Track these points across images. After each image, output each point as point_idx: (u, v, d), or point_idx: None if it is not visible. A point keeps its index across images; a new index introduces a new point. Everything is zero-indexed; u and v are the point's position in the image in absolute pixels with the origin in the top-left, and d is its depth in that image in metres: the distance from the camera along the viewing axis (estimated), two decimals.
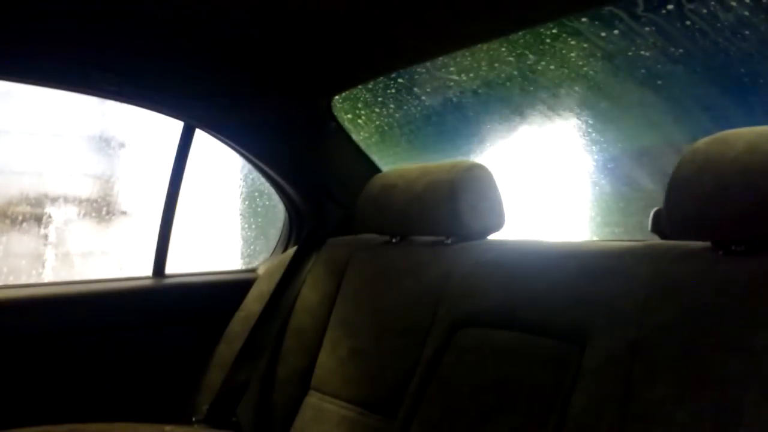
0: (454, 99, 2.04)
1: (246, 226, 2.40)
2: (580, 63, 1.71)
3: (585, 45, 1.63)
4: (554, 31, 1.60)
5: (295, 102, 1.66)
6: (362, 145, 1.84)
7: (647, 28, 1.50)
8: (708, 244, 0.98)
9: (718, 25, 1.45)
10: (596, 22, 1.53)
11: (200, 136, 1.68)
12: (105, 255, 2.45)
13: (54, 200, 2.27)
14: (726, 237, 0.94)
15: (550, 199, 2.05)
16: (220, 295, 1.75)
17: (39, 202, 2.25)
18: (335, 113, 1.74)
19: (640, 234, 1.55)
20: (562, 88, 1.85)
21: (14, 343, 1.44)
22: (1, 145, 2.27)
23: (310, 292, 1.54)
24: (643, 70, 1.69)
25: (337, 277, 1.49)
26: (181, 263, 1.81)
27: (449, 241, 1.38)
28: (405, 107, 2.08)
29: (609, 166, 1.96)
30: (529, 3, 1.13)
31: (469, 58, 1.77)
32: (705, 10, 1.43)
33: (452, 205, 1.33)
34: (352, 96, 1.97)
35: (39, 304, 1.49)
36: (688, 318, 0.89)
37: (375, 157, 1.85)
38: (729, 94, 1.66)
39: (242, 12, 1.14)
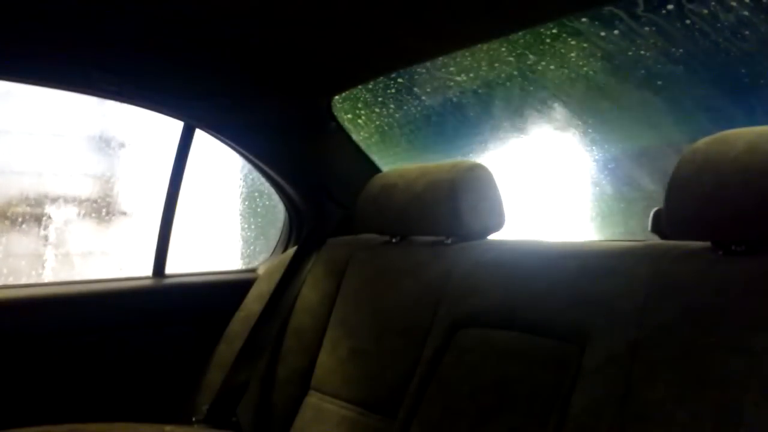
0: (454, 99, 2.04)
1: (246, 226, 2.40)
2: (580, 63, 1.71)
3: (585, 45, 1.63)
4: (554, 31, 1.60)
5: (295, 102, 1.66)
6: (362, 145, 1.84)
7: (647, 28, 1.50)
8: (708, 244, 0.98)
9: (719, 25, 1.45)
10: (596, 22, 1.53)
11: (200, 136, 1.68)
12: (105, 255, 2.45)
13: (54, 200, 2.27)
14: (726, 237, 0.94)
15: (550, 200, 2.05)
16: (220, 295, 1.75)
17: (39, 202, 2.25)
18: (335, 113, 1.74)
19: (640, 234, 1.55)
20: (562, 88, 1.85)
21: (14, 343, 1.44)
22: (1, 145, 2.27)
23: (310, 292, 1.54)
24: (643, 71, 1.69)
25: (337, 277, 1.49)
26: (181, 263, 1.81)
27: (449, 241, 1.38)
28: (405, 107, 2.08)
29: (609, 166, 1.96)
30: (529, 3, 1.13)
31: (469, 58, 1.77)
32: (705, 10, 1.43)
33: (452, 205, 1.33)
34: (352, 96, 1.97)
35: (39, 304, 1.49)
36: (688, 318, 0.89)
37: (375, 157, 1.85)
38: (729, 95, 1.66)
39: (242, 12, 1.14)
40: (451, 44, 1.37)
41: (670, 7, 1.44)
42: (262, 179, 1.93)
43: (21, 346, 1.45)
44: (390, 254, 1.46)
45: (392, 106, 2.06)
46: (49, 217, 2.25)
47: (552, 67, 1.76)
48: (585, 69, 1.74)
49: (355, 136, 1.84)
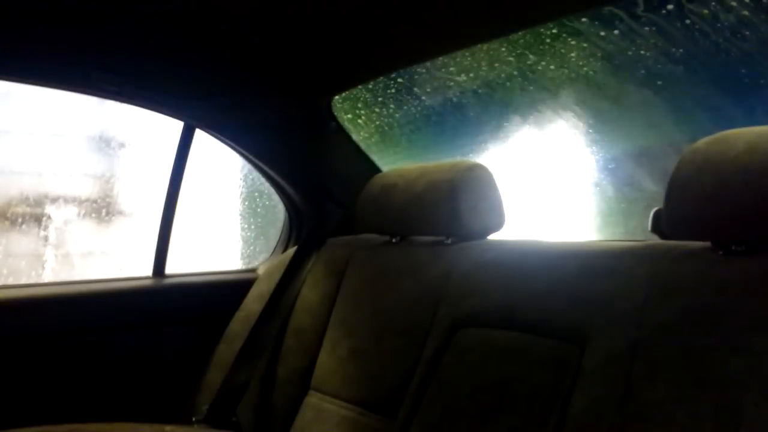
0: (454, 99, 2.04)
1: (246, 226, 2.40)
2: (580, 63, 1.71)
3: (585, 45, 1.63)
4: (554, 31, 1.60)
5: (295, 102, 1.66)
6: (362, 145, 1.84)
7: (647, 28, 1.50)
8: (708, 244, 0.98)
9: (719, 25, 1.45)
10: (596, 22, 1.53)
11: (200, 136, 1.68)
12: (105, 255, 2.45)
13: (54, 200, 2.27)
14: (726, 237, 0.94)
15: (550, 200, 2.05)
16: (220, 295, 1.75)
17: (39, 202, 2.25)
18: (335, 113, 1.74)
19: (640, 234, 1.55)
20: (562, 88, 1.85)
21: (14, 343, 1.44)
22: (1, 145, 2.27)
23: (310, 292, 1.54)
24: (643, 71, 1.69)
25: (337, 277, 1.49)
26: (182, 263, 1.81)
27: (449, 241, 1.38)
28: (405, 107, 2.08)
29: (609, 166, 1.96)
30: (529, 3, 1.13)
31: (469, 58, 1.77)
32: (705, 11, 1.43)
33: (452, 205, 1.33)
34: (352, 96, 1.97)
35: (39, 304, 1.49)
36: (688, 318, 0.89)
37: (375, 157, 1.85)
38: (729, 95, 1.66)
39: (242, 12, 1.14)
40: (451, 44, 1.37)
41: (670, 7, 1.44)
42: (262, 179, 1.93)
43: (21, 346, 1.45)
44: (390, 254, 1.46)
45: (392, 106, 2.06)
46: (49, 218, 2.25)
47: (552, 67, 1.76)
48: (585, 69, 1.74)
49: (355, 136, 1.84)
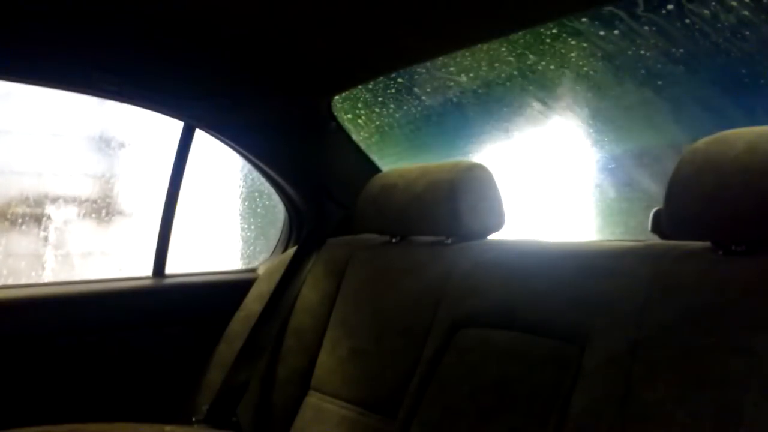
0: (454, 99, 2.04)
1: (246, 226, 2.40)
2: (580, 63, 1.71)
3: (585, 45, 1.63)
4: (554, 31, 1.60)
5: (295, 102, 1.66)
6: (362, 145, 1.84)
7: (647, 28, 1.50)
8: (708, 244, 0.98)
9: (719, 25, 1.45)
10: (596, 22, 1.53)
11: (200, 136, 1.68)
12: (105, 255, 2.45)
13: (54, 200, 2.27)
14: (726, 237, 0.94)
15: (551, 200, 2.05)
16: (220, 295, 1.75)
17: (39, 202, 2.25)
18: (335, 113, 1.73)
19: (641, 234, 1.55)
20: (562, 89, 1.85)
21: (14, 343, 1.44)
22: (1, 145, 2.27)
23: (310, 292, 1.54)
24: (643, 71, 1.69)
25: (337, 277, 1.49)
26: (182, 264, 1.81)
27: (449, 241, 1.38)
28: (405, 107, 2.08)
29: (609, 166, 1.96)
30: (529, 3, 1.13)
31: (469, 58, 1.77)
32: (705, 11, 1.43)
33: (452, 205, 1.33)
34: (352, 96, 1.97)
35: (39, 304, 1.49)
36: (688, 318, 0.89)
37: (375, 157, 1.85)
38: (729, 95, 1.66)
39: (242, 12, 1.14)
40: (451, 44, 1.37)
41: (670, 7, 1.44)
42: (262, 179, 1.93)
43: (21, 346, 1.45)
44: (390, 254, 1.46)
45: (392, 106, 2.06)
46: (49, 218, 2.25)
47: (552, 67, 1.76)
48: (585, 69, 1.74)
49: (355, 136, 1.83)
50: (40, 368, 1.47)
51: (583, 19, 1.52)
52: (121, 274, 1.78)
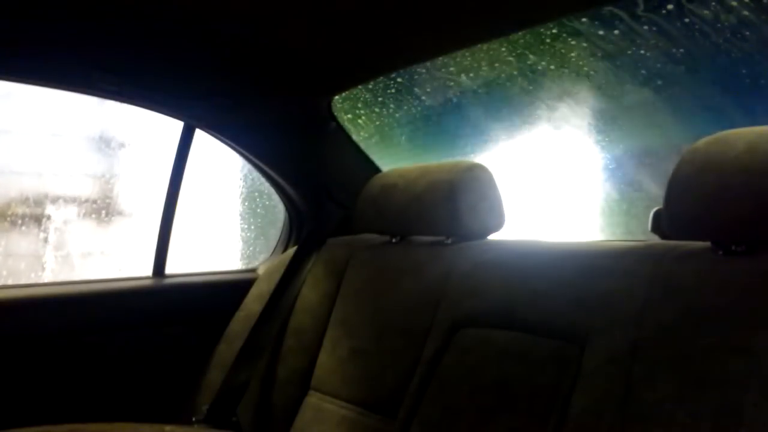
0: (454, 99, 2.04)
1: (246, 226, 2.40)
2: (580, 63, 1.71)
3: (585, 45, 1.63)
4: (554, 31, 1.60)
5: (295, 102, 1.66)
6: (362, 145, 1.84)
7: (647, 28, 1.50)
8: (708, 244, 0.98)
9: (719, 25, 1.45)
10: (596, 22, 1.53)
11: (200, 136, 1.68)
12: (105, 256, 2.45)
13: (54, 201, 2.27)
14: (726, 237, 0.94)
15: (551, 200, 2.05)
16: (220, 295, 1.75)
17: (39, 202, 2.25)
18: (335, 113, 1.73)
19: (641, 234, 1.55)
20: (562, 89, 1.85)
21: (14, 343, 1.44)
22: (1, 145, 2.27)
23: (310, 292, 1.54)
24: (643, 71, 1.69)
25: (337, 277, 1.49)
26: (182, 264, 1.81)
27: (449, 241, 1.38)
28: (405, 107, 2.08)
29: (609, 166, 1.96)
30: (529, 3, 1.13)
31: (469, 58, 1.77)
32: (705, 11, 1.43)
33: (452, 205, 1.33)
34: (352, 96, 1.97)
35: (39, 304, 1.49)
36: (688, 318, 0.89)
37: (375, 157, 1.85)
38: (729, 95, 1.66)
39: (242, 12, 1.14)
40: (451, 44, 1.37)
41: (670, 7, 1.44)
42: (262, 179, 1.93)
43: (21, 346, 1.45)
44: (390, 254, 1.46)
45: (392, 106, 2.06)
46: (49, 218, 2.25)
47: (552, 67, 1.76)
48: (585, 69, 1.74)
49: (355, 136, 1.83)
50: (40, 368, 1.47)
51: (583, 19, 1.52)
52: (121, 274, 1.78)
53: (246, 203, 2.40)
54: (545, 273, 1.14)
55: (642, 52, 1.60)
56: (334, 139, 1.78)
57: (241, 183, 2.35)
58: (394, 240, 1.50)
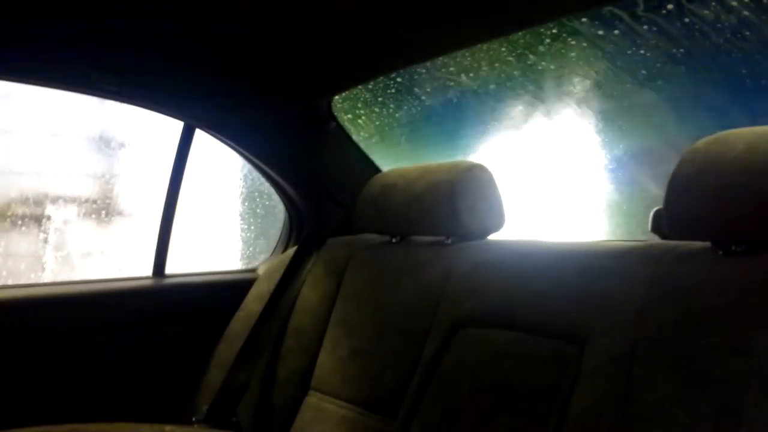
0: (454, 99, 2.04)
1: (246, 226, 2.40)
2: (580, 63, 1.71)
3: (585, 45, 1.63)
4: (554, 31, 1.60)
5: (295, 102, 1.66)
6: (362, 145, 1.84)
7: (647, 28, 1.50)
8: (708, 244, 0.98)
9: (719, 25, 1.45)
10: (596, 22, 1.53)
11: (200, 136, 1.68)
12: (104, 256, 2.45)
13: (54, 201, 2.27)
14: (726, 237, 0.94)
15: (550, 200, 2.05)
16: (220, 295, 1.75)
17: (39, 202, 2.25)
18: (335, 113, 1.73)
19: (641, 234, 1.55)
20: (562, 89, 1.85)
21: (14, 343, 1.44)
22: (1, 145, 2.27)
23: (310, 292, 1.54)
24: (643, 71, 1.69)
25: (337, 277, 1.49)
26: (182, 264, 1.81)
27: (449, 241, 1.38)
28: (405, 107, 2.08)
29: (610, 166, 1.96)
30: (529, 3, 1.13)
31: (469, 58, 1.77)
32: (705, 11, 1.43)
33: (452, 206, 1.33)
34: (352, 96, 1.97)
35: (39, 304, 1.49)
36: (689, 318, 0.89)
37: (375, 157, 1.85)
38: (730, 95, 1.66)
39: (242, 12, 1.14)
40: (451, 44, 1.37)
41: (670, 7, 1.44)
42: (262, 179, 1.93)
43: (21, 346, 1.45)
44: (390, 254, 1.46)
45: (392, 106, 2.07)
46: (49, 218, 2.25)
47: (552, 67, 1.76)
48: (585, 69, 1.74)
49: (355, 136, 1.83)
50: (40, 368, 1.47)
51: (583, 19, 1.52)
52: (121, 274, 1.78)
53: (246, 203, 2.40)
54: (545, 273, 1.14)
55: (642, 52, 1.60)
56: (334, 139, 1.78)
57: (241, 183, 2.35)
58: (394, 240, 1.50)
